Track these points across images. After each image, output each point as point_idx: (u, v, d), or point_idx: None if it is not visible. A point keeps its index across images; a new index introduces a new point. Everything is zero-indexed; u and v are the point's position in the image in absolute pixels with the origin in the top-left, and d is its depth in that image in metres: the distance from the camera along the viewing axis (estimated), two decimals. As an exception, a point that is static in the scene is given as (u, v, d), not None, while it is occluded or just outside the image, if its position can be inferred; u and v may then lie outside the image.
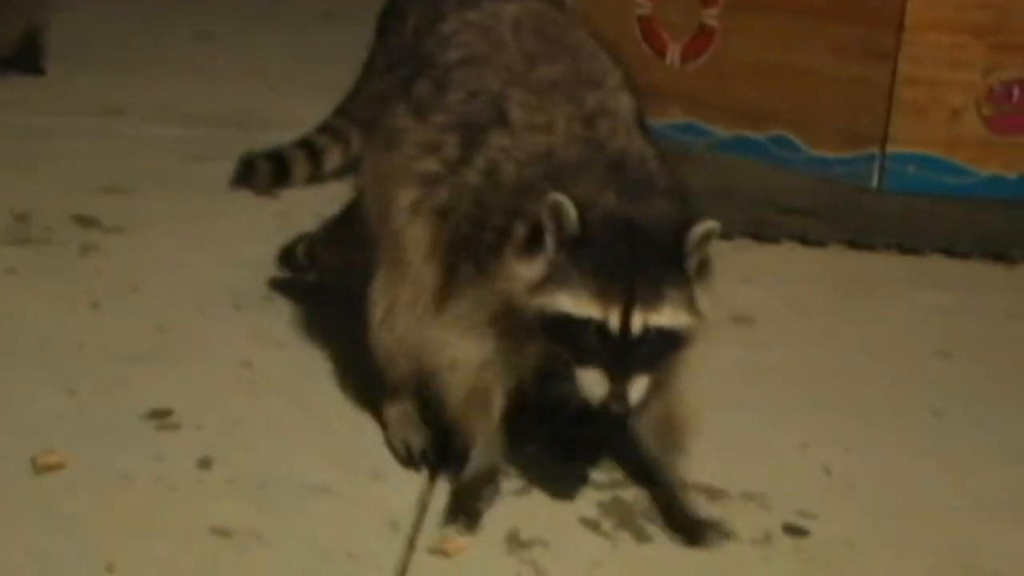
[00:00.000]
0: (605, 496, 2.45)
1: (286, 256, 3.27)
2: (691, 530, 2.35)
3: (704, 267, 2.32)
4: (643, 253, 2.24)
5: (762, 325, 3.25)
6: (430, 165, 2.48)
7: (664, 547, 2.31)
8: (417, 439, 2.55)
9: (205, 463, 2.49)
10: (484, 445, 2.43)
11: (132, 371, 2.82)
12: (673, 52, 4.53)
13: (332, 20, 5.93)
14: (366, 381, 2.67)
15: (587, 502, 2.43)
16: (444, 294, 2.44)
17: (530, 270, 2.28)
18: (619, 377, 2.22)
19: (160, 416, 2.65)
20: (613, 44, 2.66)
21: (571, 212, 2.23)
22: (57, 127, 4.49)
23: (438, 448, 2.55)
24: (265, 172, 3.89)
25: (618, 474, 2.53)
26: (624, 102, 2.49)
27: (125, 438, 2.56)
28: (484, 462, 2.42)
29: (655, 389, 2.31)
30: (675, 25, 4.51)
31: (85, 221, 3.64)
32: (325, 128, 3.97)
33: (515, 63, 2.48)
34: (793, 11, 4.23)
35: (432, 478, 2.49)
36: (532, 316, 2.28)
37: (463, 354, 2.39)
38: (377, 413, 2.65)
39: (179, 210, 3.79)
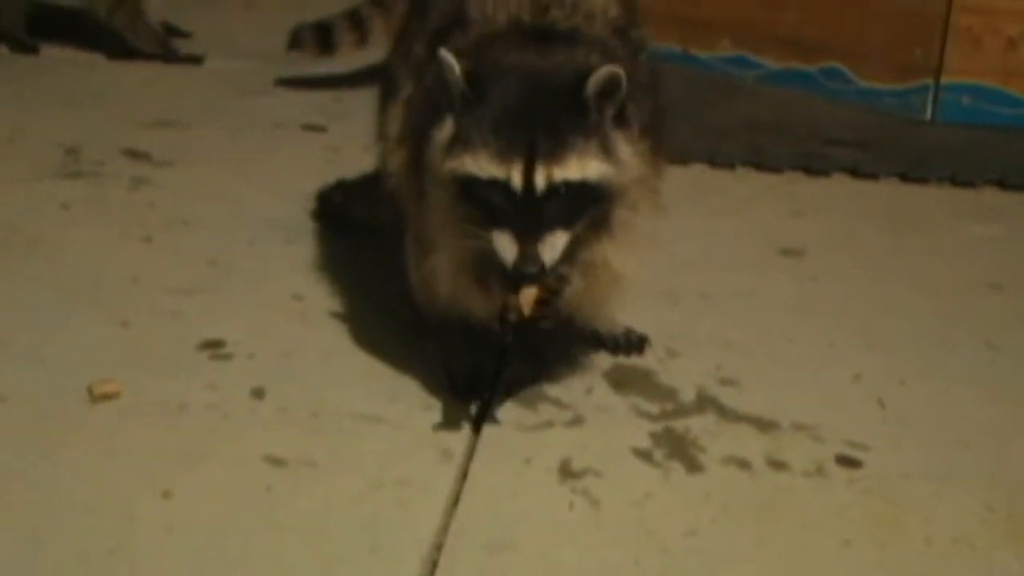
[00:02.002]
0: (657, 427, 2.45)
1: (323, 199, 3.29)
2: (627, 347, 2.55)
3: (622, 117, 2.24)
4: (543, 105, 2.17)
5: (812, 258, 3.22)
6: (408, 88, 2.50)
7: (716, 478, 2.31)
8: (460, 369, 2.55)
9: (258, 392, 2.50)
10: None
11: (185, 303, 2.84)
12: (724, -18, 4.47)
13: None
14: (414, 313, 2.67)
15: (639, 432, 2.43)
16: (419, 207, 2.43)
17: (440, 134, 2.24)
18: (529, 236, 2.16)
19: (213, 347, 2.66)
20: None
21: (455, 67, 2.18)
22: (105, 61, 4.50)
23: (486, 374, 2.55)
24: (311, 40, 4.09)
25: (670, 404, 2.52)
26: (593, 1, 2.42)
27: (179, 368, 2.57)
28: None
29: (583, 244, 2.26)
30: (725, -44, 4.45)
31: (136, 155, 3.65)
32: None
33: None
34: (846, -60, 4.16)
35: (483, 405, 2.48)
36: (445, 182, 2.23)
37: (439, 261, 2.36)
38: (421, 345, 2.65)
39: (229, 144, 3.80)
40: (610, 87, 2.18)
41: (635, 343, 2.70)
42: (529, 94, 2.17)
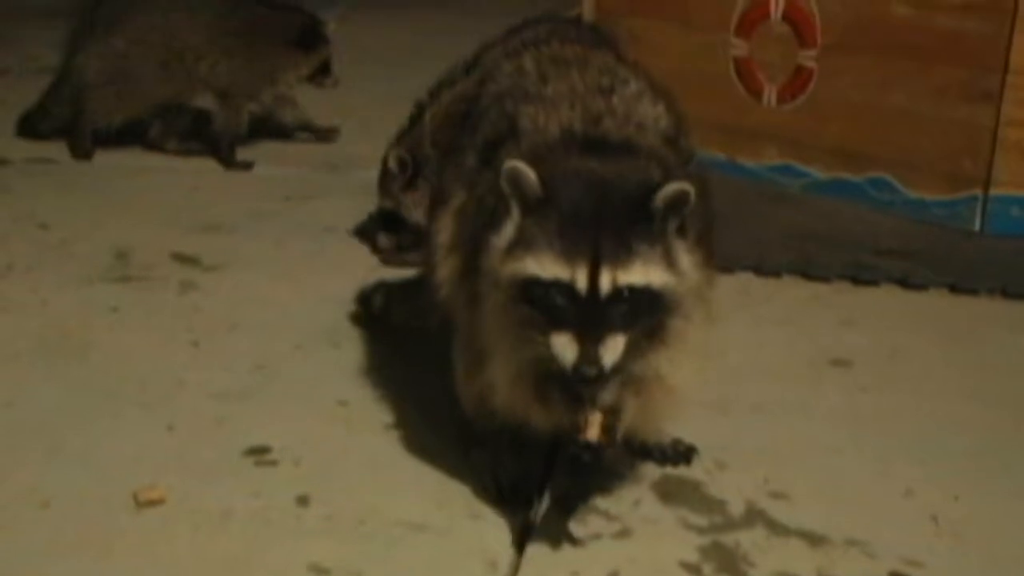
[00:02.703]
0: (705, 540, 2.43)
1: (363, 300, 3.33)
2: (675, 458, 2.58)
3: (682, 228, 2.26)
4: (609, 211, 2.19)
5: (861, 369, 3.21)
6: (460, 198, 2.55)
7: (766, 593, 2.29)
8: (507, 478, 2.55)
9: (303, 500, 2.51)
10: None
11: (231, 408, 2.86)
12: (769, 93, 4.51)
13: (420, 56, 5.98)
14: (460, 420, 2.67)
15: (687, 545, 2.41)
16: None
17: (500, 238, 2.26)
18: (590, 338, 2.17)
19: (258, 453, 2.68)
20: (650, 73, 2.65)
21: (529, 174, 2.21)
22: (157, 165, 4.58)
23: (532, 484, 2.55)
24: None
25: (719, 517, 2.51)
26: (645, 112, 2.47)
27: (224, 475, 2.59)
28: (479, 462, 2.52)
29: (638, 353, 2.27)
30: (771, 66, 4.49)
31: (184, 259, 3.70)
32: None
33: (529, 86, 2.53)
34: (892, 53, 4.19)
35: (529, 518, 2.48)
36: (506, 285, 2.24)
37: (495, 371, 2.37)
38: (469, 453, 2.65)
39: (276, 249, 3.84)
40: (678, 202, 2.21)
41: (683, 454, 2.70)
42: (595, 199, 2.20)
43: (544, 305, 2.20)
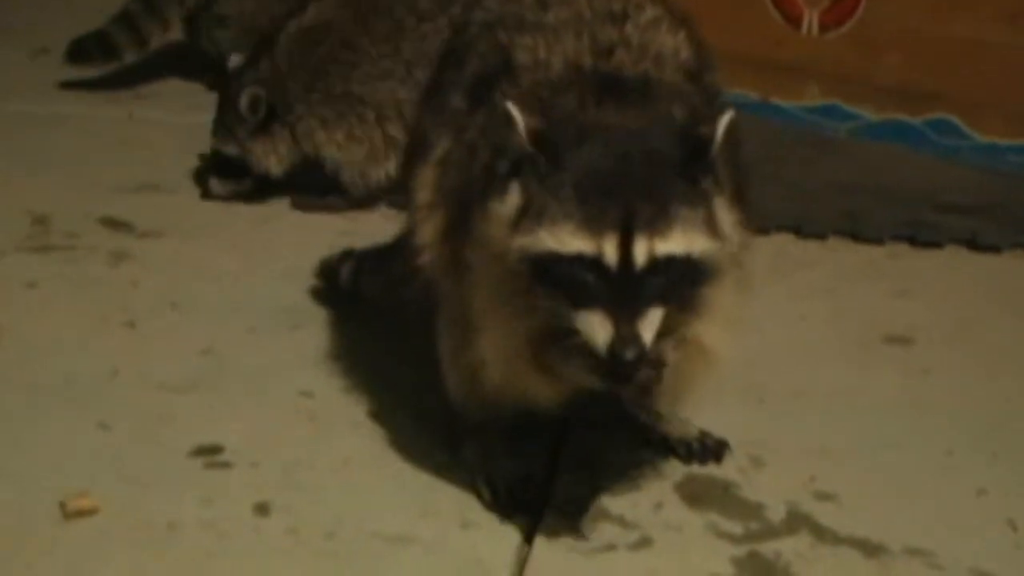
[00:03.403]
0: (740, 550, 2.46)
1: (328, 273, 3.36)
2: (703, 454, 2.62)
3: (716, 182, 2.28)
4: (637, 169, 2.20)
5: (922, 347, 3.24)
6: (443, 144, 2.57)
7: (812, 612, 2.32)
8: (503, 478, 2.58)
9: (262, 509, 2.53)
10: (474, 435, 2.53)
11: (174, 402, 2.88)
12: (810, 19, 4.51)
13: None
14: (447, 413, 2.69)
15: (718, 557, 2.44)
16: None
17: (504, 205, 2.26)
18: (625, 316, 2.17)
19: (208, 454, 2.70)
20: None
21: (519, 123, 2.21)
22: (78, 114, 4.58)
23: (534, 486, 2.58)
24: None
25: (755, 524, 2.53)
26: (662, 41, 2.48)
27: (168, 480, 2.61)
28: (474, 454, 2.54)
29: (670, 334, 2.30)
30: (812, -13, 4.50)
31: (115, 224, 3.72)
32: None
33: (525, 12, 2.55)
34: (957, -31, 4.21)
35: (531, 523, 2.50)
36: (514, 260, 2.25)
37: (486, 346, 2.40)
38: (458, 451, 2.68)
39: (223, 213, 3.86)
40: (709, 147, 2.23)
41: (712, 449, 2.72)
42: (619, 157, 2.21)
43: (567, 283, 2.21)
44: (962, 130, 4.31)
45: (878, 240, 3.79)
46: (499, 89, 2.41)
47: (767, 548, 2.47)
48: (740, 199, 2.40)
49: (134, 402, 2.87)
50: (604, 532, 2.50)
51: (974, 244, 3.78)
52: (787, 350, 3.16)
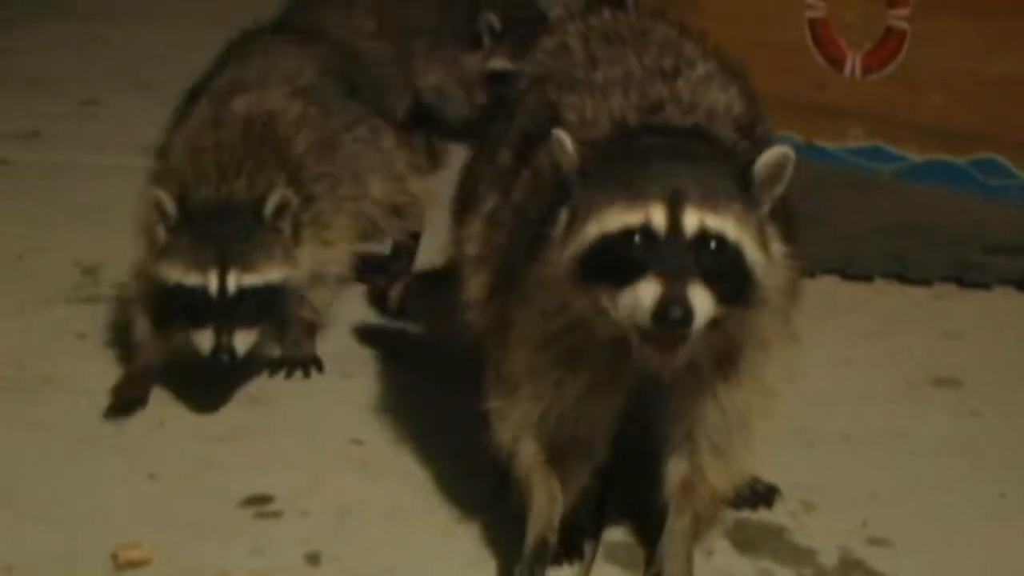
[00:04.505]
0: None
1: (378, 298, 3.41)
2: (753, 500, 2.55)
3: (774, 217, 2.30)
4: (687, 163, 2.22)
5: (972, 389, 3.22)
6: (491, 201, 2.59)
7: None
8: (554, 528, 2.56)
9: (313, 558, 2.53)
10: (540, 509, 2.46)
11: (223, 451, 2.89)
12: (853, 61, 4.50)
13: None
14: (497, 462, 2.68)
15: (771, 604, 2.43)
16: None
17: (556, 230, 2.26)
18: (674, 278, 2.12)
19: (258, 503, 2.70)
20: (720, 49, 2.68)
21: (567, 141, 2.24)
22: (127, 165, 4.59)
23: (583, 535, 2.57)
24: None
25: (808, 569, 2.52)
26: (715, 97, 2.49)
27: (218, 529, 2.61)
28: (537, 533, 2.45)
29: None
30: (855, 29, 4.47)
31: (163, 275, 3.72)
32: None
33: (576, 70, 2.56)
34: (1001, 10, 4.18)
35: (582, 572, 2.50)
36: (566, 274, 2.22)
37: (511, 415, 2.43)
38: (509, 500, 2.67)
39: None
40: (776, 172, 2.25)
41: (763, 495, 2.71)
42: (666, 156, 2.23)
43: (615, 266, 2.17)
44: (1008, 169, 4.28)
45: (925, 282, 3.77)
46: (543, 147, 2.41)
47: (821, 594, 2.46)
48: (789, 240, 2.39)
49: (183, 451, 2.88)
50: (656, 578, 2.49)
51: (1022, 285, 3.76)
52: (835, 393, 3.14)
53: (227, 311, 2.96)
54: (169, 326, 3.05)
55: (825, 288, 3.71)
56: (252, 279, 2.99)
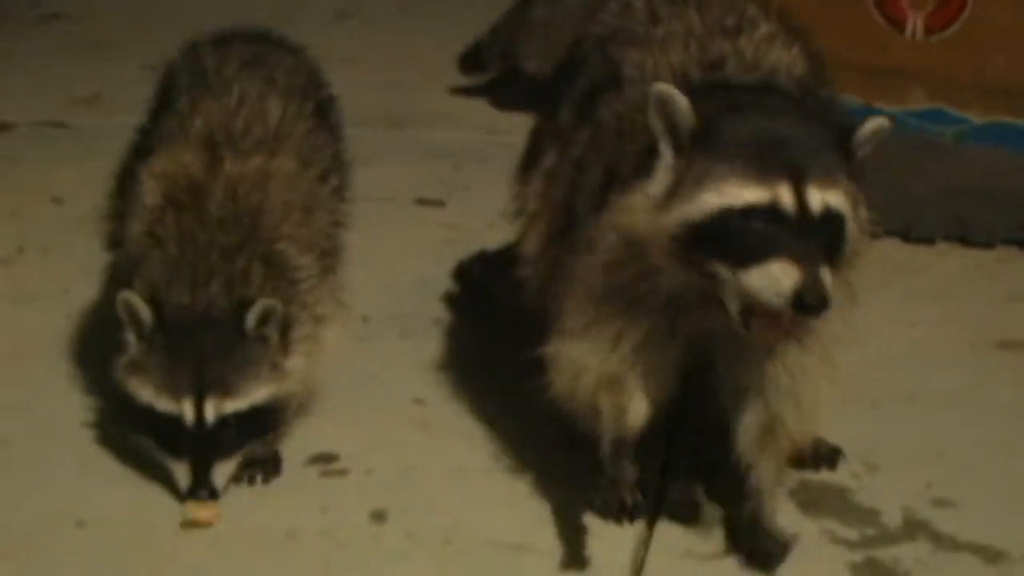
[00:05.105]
0: (857, 556, 2.45)
1: (462, 274, 3.39)
2: (761, 556, 2.42)
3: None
4: (803, 139, 2.21)
5: (1037, 352, 3.20)
6: (549, 158, 2.61)
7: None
8: (616, 483, 2.56)
9: (379, 516, 2.55)
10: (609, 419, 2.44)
11: (288, 411, 2.90)
12: (915, 22, 4.47)
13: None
14: (559, 420, 2.69)
15: (835, 563, 2.44)
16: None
17: (650, 186, 2.25)
18: (811, 262, 2.13)
19: (324, 462, 2.72)
20: (783, 11, 2.67)
21: (679, 100, 2.21)
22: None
23: (648, 492, 2.56)
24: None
25: (872, 530, 2.51)
26: (777, 57, 2.49)
27: (285, 488, 2.64)
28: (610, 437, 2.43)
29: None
30: (916, -11, 4.46)
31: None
32: None
33: (637, 27, 2.56)
34: (1068, -34, 4.15)
35: (648, 531, 2.51)
36: (669, 237, 2.21)
37: (578, 358, 2.41)
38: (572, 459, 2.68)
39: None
40: (873, 141, 2.27)
41: (826, 456, 2.70)
42: (778, 124, 2.22)
43: (736, 240, 2.16)
44: (1070, 131, 4.25)
45: (988, 244, 3.75)
46: (604, 102, 2.43)
47: (885, 554, 2.45)
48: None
49: (250, 411, 2.89)
50: (718, 538, 2.50)
51: (1085, 246, 3.74)
52: (899, 355, 3.13)
53: (205, 444, 2.51)
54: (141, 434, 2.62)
55: (887, 251, 3.68)
56: (234, 405, 2.52)
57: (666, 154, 2.24)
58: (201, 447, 2.51)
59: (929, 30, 4.45)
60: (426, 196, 4.03)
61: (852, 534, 2.51)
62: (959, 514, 2.56)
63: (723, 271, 2.17)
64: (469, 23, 5.14)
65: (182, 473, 2.52)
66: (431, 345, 3.17)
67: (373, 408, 2.91)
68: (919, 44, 4.50)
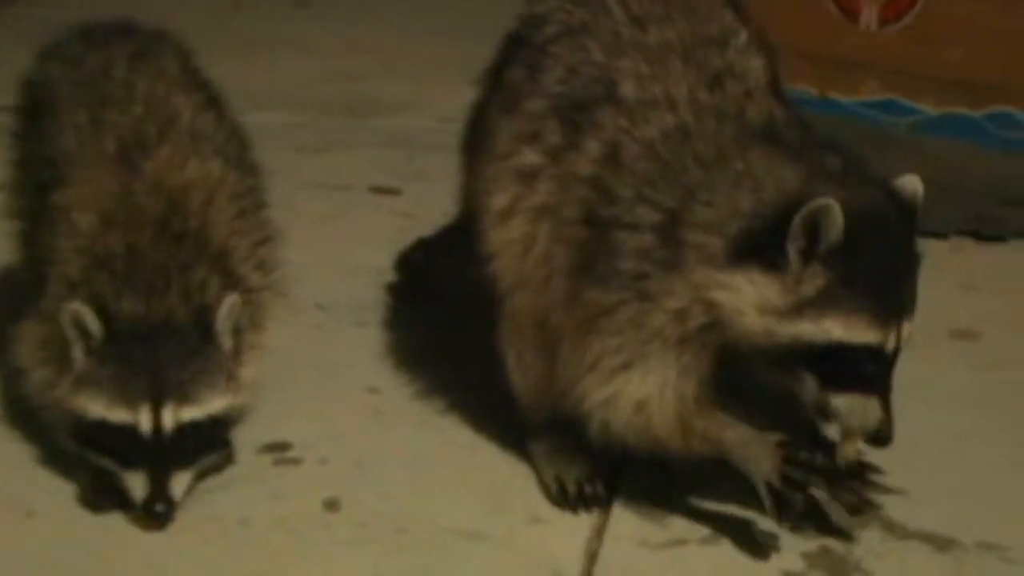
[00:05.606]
0: (811, 545, 2.44)
1: (404, 263, 3.35)
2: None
3: None
4: (908, 256, 2.31)
5: (989, 341, 3.22)
6: (526, 158, 2.51)
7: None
8: (573, 473, 2.57)
9: (332, 504, 2.54)
10: (747, 446, 2.40)
11: (241, 399, 2.89)
12: (869, 13, 4.48)
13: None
14: (514, 409, 2.69)
15: (789, 552, 2.43)
16: (578, 321, 2.43)
17: (766, 285, 2.27)
18: (888, 405, 2.32)
19: (277, 450, 2.71)
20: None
21: (838, 219, 2.22)
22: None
23: (603, 482, 2.58)
24: None
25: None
26: (755, 65, 2.50)
27: (238, 476, 2.62)
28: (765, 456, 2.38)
29: None
30: (871, -20, 4.47)
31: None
32: None
33: (621, 29, 2.51)
34: (1019, -43, 4.17)
35: (602, 520, 2.50)
36: (774, 343, 2.27)
37: (646, 389, 2.38)
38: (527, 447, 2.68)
39: (285, 211, 3.81)
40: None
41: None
42: (893, 246, 2.32)
43: (833, 368, 2.27)
44: (1023, 122, 4.27)
45: (942, 234, 3.76)
46: (604, 120, 2.40)
47: (838, 543, 2.45)
48: None
49: (202, 400, 2.87)
50: (673, 527, 2.49)
51: (1039, 237, 3.75)
52: (852, 344, 3.13)
53: (163, 452, 2.42)
54: (93, 457, 2.51)
55: (841, 240, 3.69)
56: (192, 413, 2.43)
57: (794, 260, 2.25)
58: (158, 456, 2.42)
59: (884, 20, 4.47)
60: (381, 184, 4.02)
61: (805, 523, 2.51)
62: (911, 502, 2.55)
63: (811, 384, 2.29)
64: (426, 12, 5.14)
65: (137, 484, 2.44)
66: (386, 334, 3.16)
67: (327, 397, 2.90)
68: (873, 35, 4.51)
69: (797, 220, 2.22)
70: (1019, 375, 3.05)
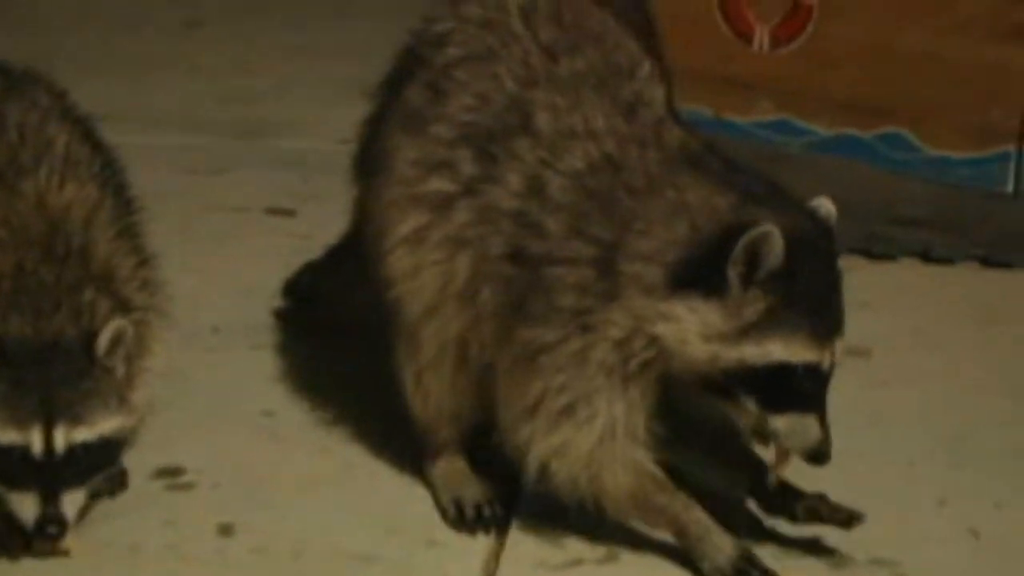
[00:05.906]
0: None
1: (292, 288, 3.32)
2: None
3: None
4: (836, 276, 2.38)
5: (881, 359, 3.24)
6: (436, 185, 2.49)
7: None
8: (470, 496, 2.57)
9: (226, 530, 2.52)
10: (708, 534, 2.41)
11: (133, 423, 2.85)
12: (761, 35, 4.53)
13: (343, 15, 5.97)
14: (411, 432, 2.68)
15: (689, 569, 2.43)
16: (514, 358, 2.42)
17: (707, 312, 2.28)
18: (825, 422, 2.35)
19: (169, 475, 2.68)
20: (636, 24, 2.69)
21: (779, 244, 2.25)
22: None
23: (500, 506, 2.58)
24: None
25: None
26: (658, 93, 2.53)
27: (129, 502, 2.59)
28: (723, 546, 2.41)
29: None
30: (763, 2, 4.50)
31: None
32: None
33: (532, 59, 2.50)
34: (907, -17, 4.23)
35: (499, 542, 2.50)
36: (717, 368, 2.30)
37: (595, 434, 2.38)
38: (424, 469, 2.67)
39: (179, 234, 3.80)
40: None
41: None
42: (829, 267, 2.40)
43: (773, 390, 2.30)
44: (913, 144, 4.32)
45: (834, 254, 3.80)
46: (525, 153, 2.40)
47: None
48: None
49: (93, 424, 2.83)
50: (570, 547, 2.49)
51: (928, 256, 3.80)
52: (746, 363, 3.15)
53: (54, 474, 2.37)
54: None
55: (735, 260, 3.72)
56: (84, 434, 2.39)
57: (734, 285, 2.27)
58: (50, 477, 2.37)
59: (776, 42, 4.52)
60: (276, 206, 3.99)
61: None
62: (805, 520, 2.57)
63: (752, 407, 2.32)
64: (322, 32, 5.12)
65: (28, 506, 2.37)
66: (281, 357, 3.14)
67: (221, 420, 2.88)
68: (766, 56, 4.55)
69: (739, 247, 2.24)
70: (909, 392, 3.08)
